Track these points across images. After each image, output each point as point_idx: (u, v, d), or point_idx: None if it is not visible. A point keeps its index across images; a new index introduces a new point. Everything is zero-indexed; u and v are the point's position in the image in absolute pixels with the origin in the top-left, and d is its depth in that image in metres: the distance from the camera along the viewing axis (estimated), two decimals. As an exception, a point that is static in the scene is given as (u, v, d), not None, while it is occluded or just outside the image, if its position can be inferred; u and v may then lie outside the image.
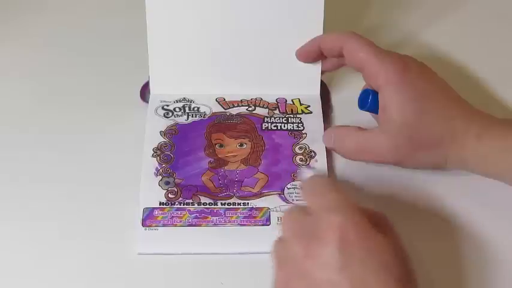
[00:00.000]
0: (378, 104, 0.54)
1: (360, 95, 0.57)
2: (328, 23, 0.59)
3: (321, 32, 0.59)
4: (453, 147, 0.53)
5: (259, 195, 0.54)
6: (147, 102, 0.61)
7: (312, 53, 0.59)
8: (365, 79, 0.56)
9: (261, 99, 0.61)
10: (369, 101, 0.55)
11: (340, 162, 0.57)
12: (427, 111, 0.53)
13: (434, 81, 0.55)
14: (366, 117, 0.57)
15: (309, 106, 0.60)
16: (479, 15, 0.72)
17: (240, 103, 0.61)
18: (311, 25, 0.59)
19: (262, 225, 0.52)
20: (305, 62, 0.60)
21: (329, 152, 0.57)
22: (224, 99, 0.61)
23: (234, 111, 0.60)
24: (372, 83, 0.55)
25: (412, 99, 0.53)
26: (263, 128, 0.59)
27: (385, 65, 0.54)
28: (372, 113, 0.57)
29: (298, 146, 0.58)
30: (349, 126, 0.56)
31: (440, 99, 0.54)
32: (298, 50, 0.60)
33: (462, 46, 0.67)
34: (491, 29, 0.70)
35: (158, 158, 0.56)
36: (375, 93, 0.55)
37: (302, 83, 0.61)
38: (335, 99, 0.63)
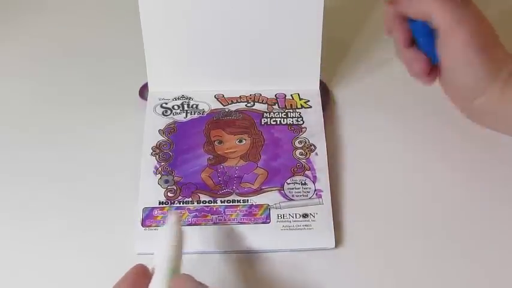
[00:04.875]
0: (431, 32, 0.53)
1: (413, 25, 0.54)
2: (330, 21, 0.58)
3: (320, 26, 0.58)
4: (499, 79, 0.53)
5: (259, 191, 0.54)
6: (147, 100, 0.60)
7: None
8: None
9: (260, 95, 0.60)
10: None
11: (340, 155, 0.57)
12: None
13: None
14: (367, 117, 0.57)
15: (309, 101, 0.60)
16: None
17: (239, 99, 0.60)
18: (310, 19, 0.58)
19: (262, 222, 0.52)
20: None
21: (329, 146, 0.57)
22: (223, 96, 0.60)
23: (233, 107, 0.60)
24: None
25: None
26: (262, 123, 0.58)
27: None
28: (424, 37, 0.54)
29: (298, 140, 0.57)
30: None
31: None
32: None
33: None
34: (496, 29, 0.69)
35: (157, 156, 0.56)
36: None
37: (301, 78, 0.60)
38: (335, 98, 0.62)
